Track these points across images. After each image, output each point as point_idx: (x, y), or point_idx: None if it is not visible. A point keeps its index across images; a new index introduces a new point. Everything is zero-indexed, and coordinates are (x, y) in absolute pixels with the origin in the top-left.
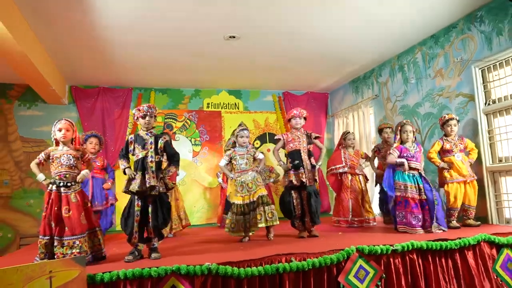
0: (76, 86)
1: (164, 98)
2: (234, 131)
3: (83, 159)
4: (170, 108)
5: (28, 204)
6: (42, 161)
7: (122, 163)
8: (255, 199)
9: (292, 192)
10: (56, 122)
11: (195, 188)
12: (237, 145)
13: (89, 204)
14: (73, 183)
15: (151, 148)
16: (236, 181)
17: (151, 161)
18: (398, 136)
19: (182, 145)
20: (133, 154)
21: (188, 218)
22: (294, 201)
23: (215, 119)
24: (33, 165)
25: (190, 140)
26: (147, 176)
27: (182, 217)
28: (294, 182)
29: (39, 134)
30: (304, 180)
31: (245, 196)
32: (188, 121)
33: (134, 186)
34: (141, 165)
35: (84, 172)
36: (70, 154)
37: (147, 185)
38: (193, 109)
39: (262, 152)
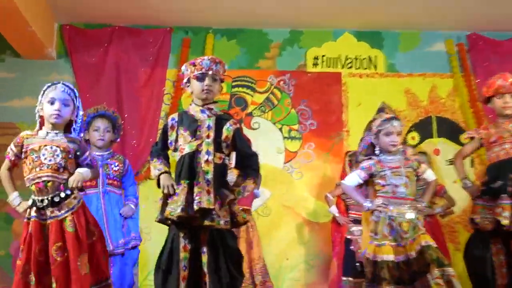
0: (71, 25)
1: (231, 47)
2: (370, 123)
3: (81, 159)
4: (242, 66)
5: None
6: (14, 159)
7: (155, 166)
8: (413, 253)
9: (491, 242)
10: (47, 88)
11: (287, 223)
12: (377, 149)
13: (95, 236)
14: (66, 193)
15: (207, 136)
16: (378, 216)
17: (207, 161)
18: None
19: (265, 138)
20: (175, 149)
21: (272, 284)
22: (495, 259)
23: (329, 88)
24: (3, 175)
25: (281, 129)
26: (196, 190)
27: (258, 281)
28: (504, 222)
29: (6, 113)
30: (506, 221)
31: (397, 248)
32: (276, 91)
33: (175, 209)
34: (188, 167)
35: (82, 173)
36: (57, 146)
37: (196, 207)
38: (287, 68)
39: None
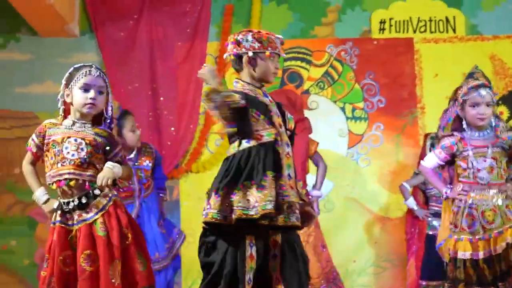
0: None
1: (282, 14)
2: (456, 91)
3: (110, 155)
4: (295, 35)
5: (6, 249)
6: (36, 151)
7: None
8: (498, 248)
9: None
10: (78, 71)
11: (353, 218)
12: (465, 124)
13: (129, 239)
14: (94, 193)
15: (279, 125)
16: (458, 205)
17: (288, 154)
18: None
19: (325, 120)
20: (245, 134)
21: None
22: None
23: (399, 57)
24: (26, 169)
25: (343, 108)
26: (280, 183)
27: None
28: None
29: (24, 101)
30: None
31: (478, 242)
32: (337, 63)
33: (265, 205)
34: (272, 158)
35: (112, 168)
36: (83, 138)
37: (291, 199)
38: (349, 36)
39: None
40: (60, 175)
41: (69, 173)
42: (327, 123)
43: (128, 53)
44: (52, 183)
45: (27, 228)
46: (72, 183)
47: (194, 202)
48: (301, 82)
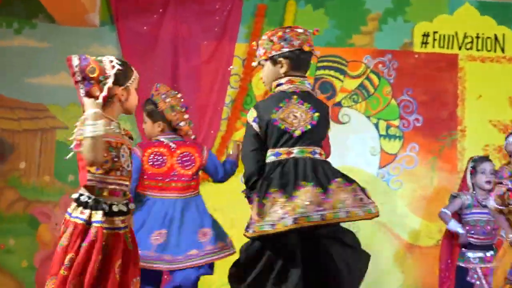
0: None
1: (317, 19)
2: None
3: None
4: (331, 43)
5: (4, 248)
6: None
7: None
8: None
9: None
10: (128, 67)
11: (380, 244)
12: None
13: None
14: (131, 206)
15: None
16: None
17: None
18: None
19: (356, 136)
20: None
21: None
22: None
23: (441, 74)
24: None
25: (377, 125)
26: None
27: None
28: None
29: (35, 92)
30: None
31: None
32: (373, 76)
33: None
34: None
35: None
36: (128, 147)
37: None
38: (388, 47)
39: None
40: (119, 184)
41: (126, 185)
42: (359, 139)
43: (149, 49)
44: (104, 189)
45: (28, 227)
46: (126, 194)
47: (210, 211)
48: (333, 93)
